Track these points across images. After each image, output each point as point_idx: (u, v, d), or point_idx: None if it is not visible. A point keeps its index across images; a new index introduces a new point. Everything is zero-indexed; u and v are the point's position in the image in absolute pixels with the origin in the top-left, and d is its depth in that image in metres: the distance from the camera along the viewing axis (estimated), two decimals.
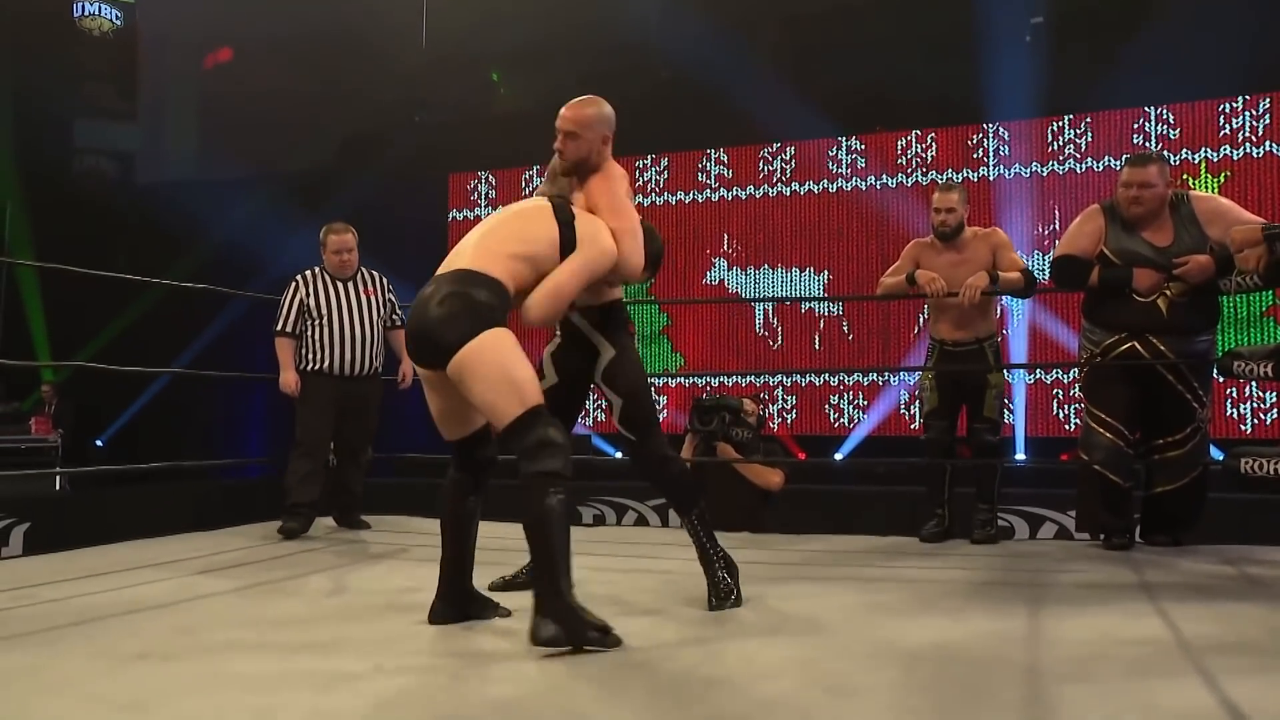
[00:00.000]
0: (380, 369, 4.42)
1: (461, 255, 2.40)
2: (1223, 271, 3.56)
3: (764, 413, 4.80)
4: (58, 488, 6.73)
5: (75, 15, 9.67)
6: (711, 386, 7.32)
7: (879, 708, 1.83)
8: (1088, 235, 3.74)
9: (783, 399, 7.16)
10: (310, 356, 4.31)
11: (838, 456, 6.78)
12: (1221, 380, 5.69)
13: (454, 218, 8.34)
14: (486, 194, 8.30)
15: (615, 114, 2.69)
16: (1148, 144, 6.46)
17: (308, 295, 4.32)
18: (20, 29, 9.09)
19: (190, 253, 7.71)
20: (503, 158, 8.16)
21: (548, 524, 2.16)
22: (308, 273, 4.39)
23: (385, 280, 4.50)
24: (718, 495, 4.43)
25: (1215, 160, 6.35)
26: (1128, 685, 1.94)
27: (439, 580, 2.51)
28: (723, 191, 7.63)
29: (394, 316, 4.47)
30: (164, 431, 8.27)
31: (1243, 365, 3.40)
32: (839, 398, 7.13)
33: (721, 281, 7.52)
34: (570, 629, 2.11)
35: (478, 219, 8.16)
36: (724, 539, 2.82)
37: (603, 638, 2.14)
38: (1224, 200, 3.80)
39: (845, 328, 7.11)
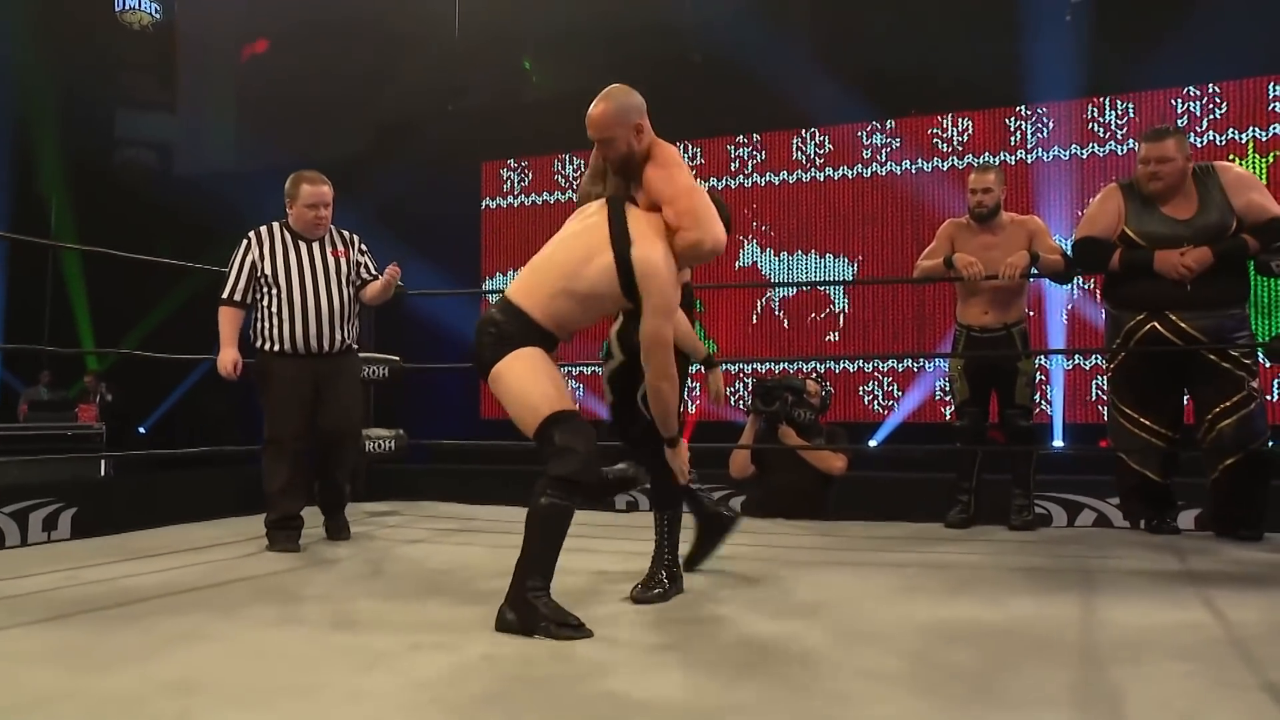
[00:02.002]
0: (355, 342, 3.74)
1: (521, 280, 2.47)
2: (1231, 255, 3.48)
3: (827, 394, 4.69)
4: (103, 473, 6.86)
5: (116, 9, 9.81)
6: (744, 373, 7.29)
7: (921, 689, 1.81)
8: (1108, 215, 3.66)
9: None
10: (268, 334, 3.56)
11: (872, 443, 6.72)
12: (1269, 366, 5.56)
13: (487, 205, 8.36)
14: (519, 181, 8.30)
15: (644, 98, 2.56)
16: (1194, 124, 6.30)
17: (262, 258, 3.55)
18: (62, 23, 9.24)
19: (229, 242, 7.78)
20: (535, 144, 8.16)
21: (532, 522, 2.28)
22: (263, 229, 3.62)
23: (358, 238, 3.77)
24: (779, 480, 4.40)
25: (1264, 140, 6.18)
26: (1175, 669, 1.90)
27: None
28: (755, 177, 7.57)
29: (366, 272, 3.72)
30: (205, 418, 8.41)
31: None
32: (874, 384, 7.07)
33: (754, 264, 7.47)
34: (524, 620, 2.22)
35: (510, 208, 8.19)
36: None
37: (565, 630, 2.18)
38: (1248, 173, 3.72)
39: (878, 308, 7.03)
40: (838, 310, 7.23)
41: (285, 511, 3.52)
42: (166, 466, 7.21)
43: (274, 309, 3.55)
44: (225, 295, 3.59)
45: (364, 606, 2.54)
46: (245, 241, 3.61)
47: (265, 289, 3.57)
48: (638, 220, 2.43)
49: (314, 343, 3.57)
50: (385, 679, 1.90)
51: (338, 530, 3.74)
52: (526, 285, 2.44)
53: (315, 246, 3.63)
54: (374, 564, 3.23)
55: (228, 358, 3.55)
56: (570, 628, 2.19)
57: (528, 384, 2.34)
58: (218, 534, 3.81)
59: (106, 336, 8.07)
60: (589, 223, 2.47)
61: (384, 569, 3.13)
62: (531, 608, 2.22)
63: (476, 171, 8.46)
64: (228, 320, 3.58)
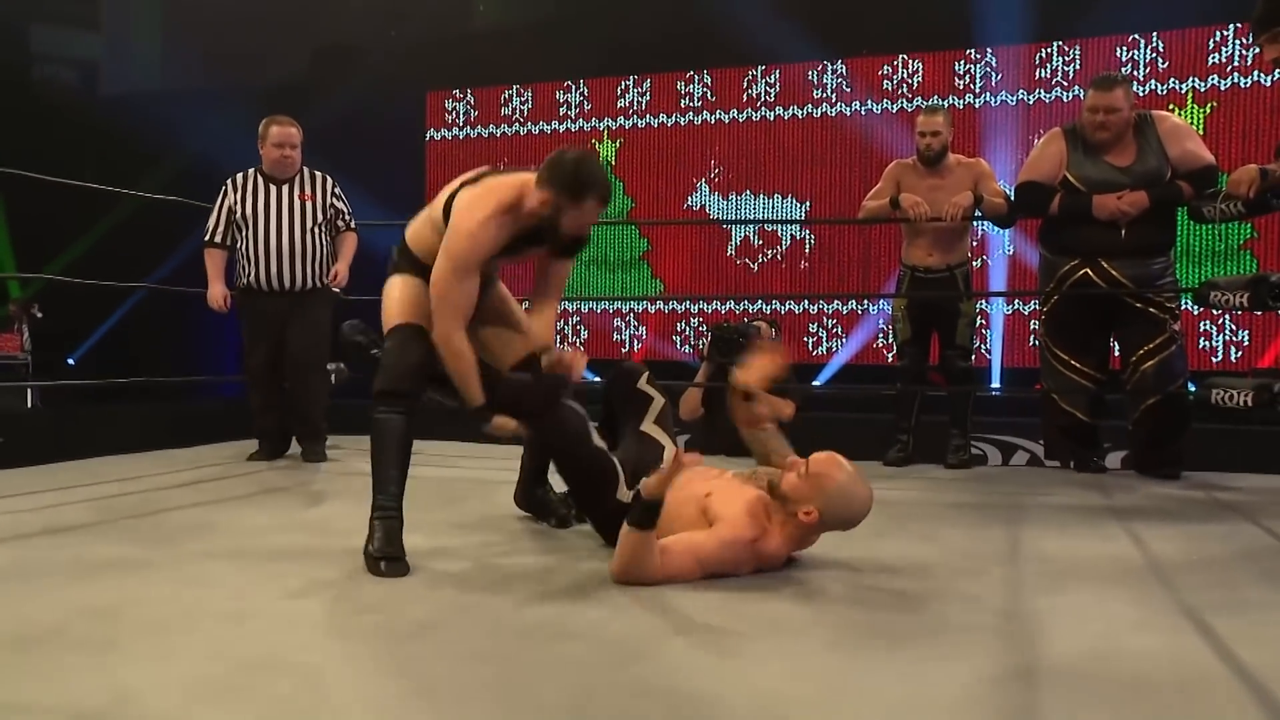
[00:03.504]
0: (327, 280, 4.01)
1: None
2: (1167, 201, 3.57)
3: (777, 337, 4.68)
4: (29, 405, 6.64)
5: None
6: (691, 313, 7.29)
7: (849, 621, 1.84)
8: (1049, 160, 3.72)
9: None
10: (242, 271, 3.94)
11: (815, 384, 6.80)
12: (1196, 312, 5.73)
13: (431, 137, 8.15)
14: (465, 113, 8.09)
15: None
16: (1136, 72, 6.37)
17: (237, 202, 3.92)
18: None
19: (160, 166, 7.50)
20: (482, 75, 7.94)
21: (371, 439, 2.28)
22: (239, 176, 3.97)
23: (332, 182, 4.05)
24: (726, 422, 4.40)
25: (1202, 90, 6.28)
26: (1095, 597, 1.97)
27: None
28: (705, 115, 7.48)
29: (340, 222, 4.03)
30: (138, 349, 8.16)
31: (1219, 295, 3.40)
32: (817, 325, 7.13)
33: (703, 207, 7.42)
34: (367, 541, 2.19)
35: (455, 140, 8.00)
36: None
37: (370, 561, 2.12)
38: (1183, 122, 3.81)
39: (825, 250, 7.07)
40: (785, 250, 7.24)
41: (261, 426, 4.07)
42: (96, 399, 7.00)
43: (245, 249, 3.92)
44: (206, 238, 3.98)
45: (301, 539, 2.51)
46: (224, 187, 3.97)
47: (240, 230, 3.92)
48: (496, 184, 2.32)
49: (278, 280, 3.89)
50: (319, 605, 1.88)
51: (313, 454, 4.01)
52: (416, 219, 2.50)
53: (285, 189, 3.93)
54: (315, 497, 3.20)
55: (217, 293, 3.95)
56: (385, 559, 2.11)
57: (392, 300, 2.39)
58: (149, 466, 3.73)
59: (30, 265, 7.75)
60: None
61: (325, 502, 3.09)
62: (370, 530, 2.19)
63: (420, 102, 8.21)
64: (212, 260, 3.98)
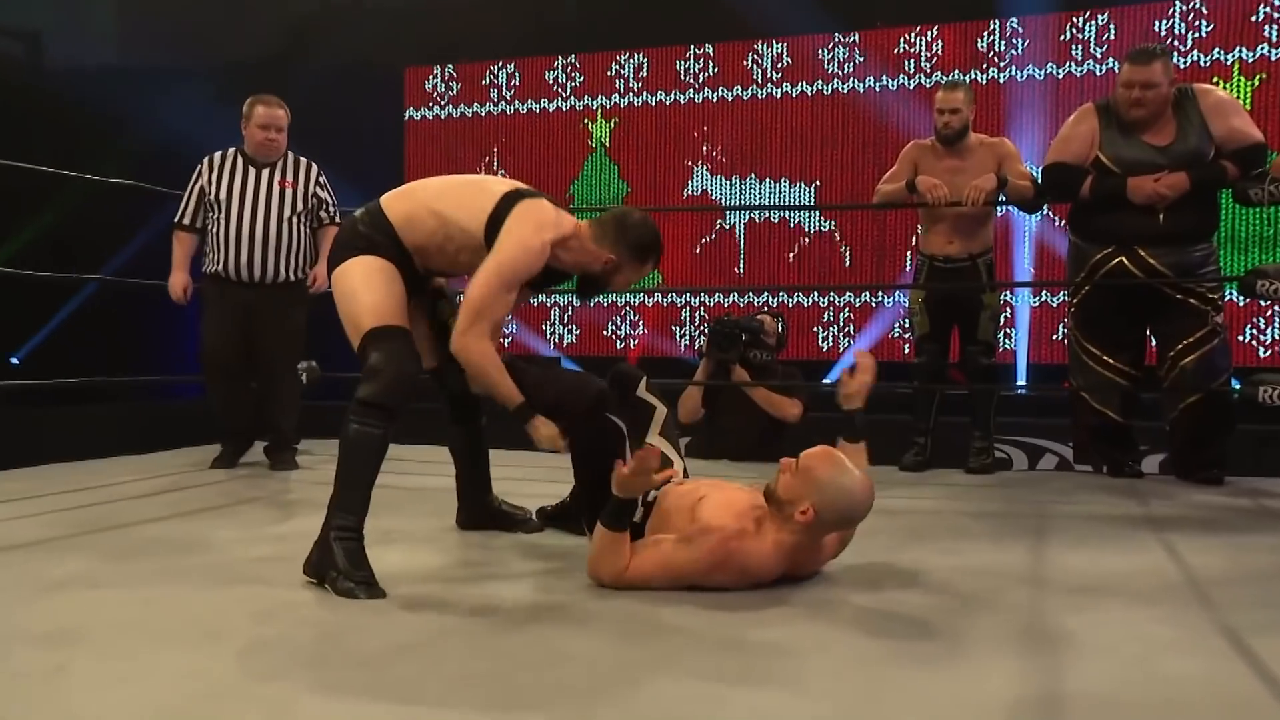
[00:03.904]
0: (303, 275, 4.01)
1: (396, 191, 2.53)
2: (1209, 183, 3.56)
3: (784, 330, 4.66)
4: None
5: None
6: (692, 306, 7.30)
7: (859, 643, 1.85)
8: (1080, 139, 3.71)
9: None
10: (209, 257, 3.91)
11: (825, 382, 6.81)
12: (1242, 303, 5.73)
13: (411, 117, 8.14)
14: (447, 91, 8.09)
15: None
16: (1176, 43, 6.35)
17: (210, 182, 3.89)
18: None
19: (118, 148, 7.48)
20: (466, 50, 7.93)
21: (341, 452, 2.25)
22: (218, 155, 3.95)
23: (317, 170, 4.04)
24: (728, 423, 4.41)
25: (1250, 61, 6.25)
26: (1128, 616, 1.97)
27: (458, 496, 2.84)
28: (706, 92, 7.48)
29: (324, 213, 4.03)
30: (92, 347, 8.15)
31: (1267, 284, 3.41)
32: (828, 318, 7.13)
33: (704, 192, 7.42)
34: (320, 563, 2.17)
35: (437, 119, 8.00)
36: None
37: (345, 585, 2.10)
38: (1229, 97, 3.78)
39: (839, 243, 7.07)
40: (793, 238, 7.24)
41: (225, 425, 4.03)
42: (46, 402, 6.99)
43: (215, 232, 3.89)
44: (176, 219, 3.96)
45: (271, 554, 2.51)
46: (199, 166, 3.95)
47: (212, 213, 3.90)
48: (559, 214, 2.47)
49: (248, 271, 3.86)
50: (290, 627, 1.88)
51: (282, 463, 4.00)
52: (399, 193, 2.51)
53: (265, 173, 3.91)
54: (287, 508, 3.20)
55: (177, 281, 3.93)
56: (358, 584, 2.10)
57: (359, 292, 2.34)
58: (105, 474, 3.73)
59: None
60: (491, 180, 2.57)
61: (297, 514, 3.09)
62: (330, 551, 2.16)
63: (399, 79, 8.20)
64: (179, 245, 3.96)
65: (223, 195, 3.87)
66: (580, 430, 2.41)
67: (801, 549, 2.16)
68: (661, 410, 2.63)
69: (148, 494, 3.38)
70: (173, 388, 7.05)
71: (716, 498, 2.17)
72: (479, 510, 2.83)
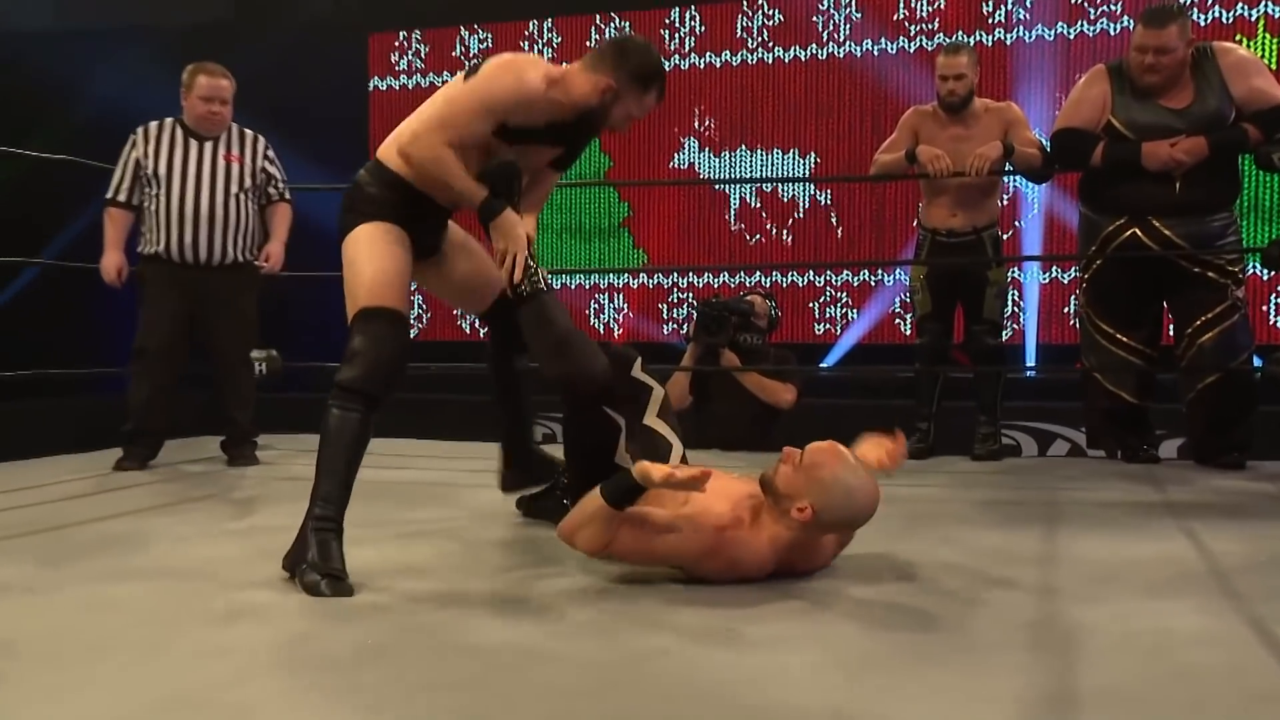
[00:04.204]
0: (253, 256, 3.95)
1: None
2: (1229, 147, 3.55)
3: (776, 312, 4.66)
4: None
5: None
6: (680, 286, 7.28)
7: (862, 638, 1.84)
8: (1091, 103, 3.71)
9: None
10: (148, 236, 3.82)
11: (823, 365, 6.82)
12: (1266, 276, 5.74)
13: (375, 87, 8.08)
14: (413, 59, 8.03)
15: None
16: (1198, 0, 6.32)
17: (147, 155, 3.79)
18: None
19: (56, 121, 7.40)
20: (432, 14, 7.87)
21: (321, 437, 2.25)
22: (153, 125, 3.84)
23: (264, 143, 3.98)
24: (719, 410, 4.40)
25: (1277, 17, 6.24)
26: (1145, 606, 1.97)
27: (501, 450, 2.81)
28: (694, 58, 7.44)
29: (272, 189, 3.97)
30: (28, 337, 8.06)
31: None
32: (825, 298, 7.12)
33: (692, 165, 7.40)
34: (295, 554, 2.17)
35: (403, 89, 7.94)
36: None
37: (312, 576, 2.09)
38: (1251, 55, 3.78)
39: (834, 219, 7.06)
40: (787, 212, 7.23)
41: (138, 426, 3.81)
42: None
43: (154, 210, 3.79)
44: (109, 196, 3.84)
45: (228, 553, 2.49)
46: (131, 137, 3.84)
47: (150, 188, 3.80)
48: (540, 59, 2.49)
49: (192, 252, 3.78)
50: (249, 631, 1.86)
51: (241, 458, 3.95)
52: (388, 141, 2.47)
53: (208, 147, 3.83)
54: (245, 505, 3.17)
55: (110, 262, 3.81)
56: (327, 578, 2.08)
57: (359, 262, 2.34)
58: (47, 473, 3.69)
59: None
60: None
61: (256, 510, 3.07)
62: (304, 543, 2.15)
63: (362, 46, 8.14)
64: (112, 223, 3.85)
65: (161, 169, 3.78)
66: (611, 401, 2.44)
67: (797, 546, 2.16)
68: (659, 391, 2.63)
69: (88, 493, 3.35)
70: (121, 380, 6.99)
71: (712, 484, 2.16)
72: (524, 456, 2.82)
